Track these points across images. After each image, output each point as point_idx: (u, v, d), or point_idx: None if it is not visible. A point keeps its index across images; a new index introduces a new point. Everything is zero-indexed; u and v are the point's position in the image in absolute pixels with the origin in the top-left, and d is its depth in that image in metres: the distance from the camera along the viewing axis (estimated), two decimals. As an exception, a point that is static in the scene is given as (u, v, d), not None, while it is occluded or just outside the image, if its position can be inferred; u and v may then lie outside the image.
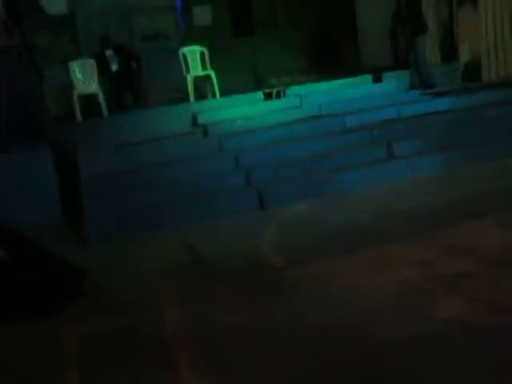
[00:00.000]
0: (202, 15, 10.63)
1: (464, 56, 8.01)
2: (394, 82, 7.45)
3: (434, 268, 3.09)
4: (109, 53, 7.37)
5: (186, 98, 7.27)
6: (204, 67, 7.47)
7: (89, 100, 7.07)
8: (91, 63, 6.95)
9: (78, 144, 5.73)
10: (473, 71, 7.83)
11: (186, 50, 7.49)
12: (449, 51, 8.19)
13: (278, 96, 7.24)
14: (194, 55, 7.48)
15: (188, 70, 7.36)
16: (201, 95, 7.50)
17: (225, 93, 7.40)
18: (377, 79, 7.61)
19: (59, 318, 3.14)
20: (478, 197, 4.41)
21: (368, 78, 7.66)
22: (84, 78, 6.88)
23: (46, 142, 5.51)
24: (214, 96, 7.37)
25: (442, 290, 2.81)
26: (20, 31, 6.09)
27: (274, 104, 7.06)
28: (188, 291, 3.34)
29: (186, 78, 7.29)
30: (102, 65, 7.21)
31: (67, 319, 3.15)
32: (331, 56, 10.28)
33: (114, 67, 7.37)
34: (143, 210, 4.92)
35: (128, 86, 7.57)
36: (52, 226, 5.16)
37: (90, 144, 5.90)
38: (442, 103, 6.77)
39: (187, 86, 7.26)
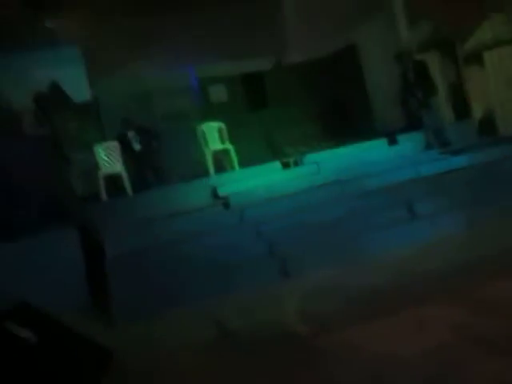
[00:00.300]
0: (218, 93, 11.15)
1: (477, 112, 8.12)
2: (409, 144, 7.56)
3: (470, 329, 2.97)
4: (131, 134, 7.72)
5: (206, 173, 7.48)
6: (222, 141, 7.73)
7: (113, 180, 7.34)
8: (115, 145, 7.27)
9: (104, 223, 5.87)
10: (488, 126, 7.90)
11: (204, 126, 7.80)
12: (462, 109, 8.33)
13: (296, 164, 7.39)
14: (212, 131, 7.78)
15: (207, 145, 7.62)
16: (220, 169, 7.71)
17: (243, 165, 7.60)
18: (392, 142, 7.73)
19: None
20: (506, 256, 4.29)
21: (383, 141, 7.79)
22: (109, 159, 7.18)
23: (73, 223, 5.67)
24: (232, 169, 7.57)
25: (480, 353, 2.68)
26: (48, 120, 6.47)
27: (292, 172, 7.20)
28: (214, 367, 3.28)
29: (205, 153, 7.54)
30: (125, 145, 7.54)
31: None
32: (345, 122, 10.56)
33: (136, 147, 7.69)
34: (168, 286, 4.93)
35: (150, 164, 7.85)
36: (79, 306, 5.19)
37: (115, 223, 6.04)
38: (460, 160, 6.78)
39: (207, 161, 7.48)
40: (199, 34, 11.02)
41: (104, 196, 6.98)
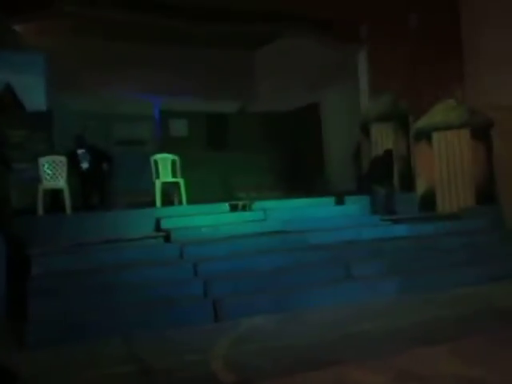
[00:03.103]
0: (179, 127, 11.17)
1: (420, 188, 8.52)
2: (355, 206, 7.76)
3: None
4: (81, 151, 7.50)
5: (153, 203, 7.34)
6: (174, 175, 7.66)
7: (54, 195, 7.05)
8: (61, 160, 7.03)
9: (35, 239, 5.60)
10: (428, 202, 8.29)
11: (158, 156, 7.72)
12: (407, 182, 8.70)
13: (244, 209, 7.39)
14: (165, 162, 7.69)
15: (158, 176, 7.52)
16: (168, 202, 7.59)
17: (192, 202, 7.52)
18: (339, 202, 7.92)
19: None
20: (434, 323, 4.45)
21: (331, 199, 7.97)
22: (53, 173, 6.93)
23: (2, 233, 5.36)
24: (180, 203, 7.48)
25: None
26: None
27: (238, 216, 7.19)
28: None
29: (154, 184, 7.42)
30: (73, 163, 7.31)
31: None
32: (298, 176, 10.77)
33: (85, 166, 7.46)
34: (92, 314, 4.69)
35: (96, 186, 7.62)
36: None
37: (47, 240, 5.77)
38: (400, 229, 7.02)
39: (155, 192, 7.36)
40: (171, 67, 11.13)
41: (41, 211, 6.69)
